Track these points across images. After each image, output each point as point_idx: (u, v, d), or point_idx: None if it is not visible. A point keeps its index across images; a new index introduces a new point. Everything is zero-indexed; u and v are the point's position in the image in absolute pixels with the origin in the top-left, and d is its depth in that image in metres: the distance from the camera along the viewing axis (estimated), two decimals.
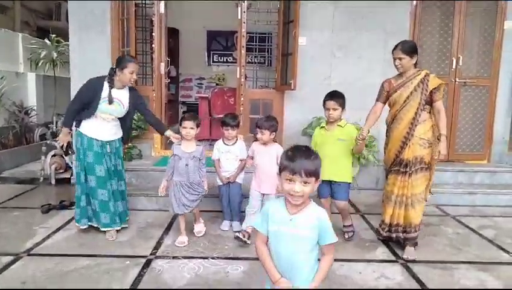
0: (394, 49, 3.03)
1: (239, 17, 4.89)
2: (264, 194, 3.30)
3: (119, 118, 3.35)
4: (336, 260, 2.96)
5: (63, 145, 3.58)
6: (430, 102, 3.01)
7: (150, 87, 5.05)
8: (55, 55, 6.83)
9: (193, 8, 7.67)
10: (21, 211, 3.84)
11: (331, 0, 4.85)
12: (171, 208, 3.21)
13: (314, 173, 1.52)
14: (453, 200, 4.50)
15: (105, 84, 3.19)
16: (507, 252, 3.23)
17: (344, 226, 3.43)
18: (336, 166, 3.19)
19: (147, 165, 4.56)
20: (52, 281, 2.56)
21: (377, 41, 4.91)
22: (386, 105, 3.21)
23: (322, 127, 3.34)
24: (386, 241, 3.30)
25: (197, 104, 6.99)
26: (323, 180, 3.14)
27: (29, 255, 2.93)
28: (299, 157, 1.51)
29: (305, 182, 1.51)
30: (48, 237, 3.27)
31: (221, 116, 6.11)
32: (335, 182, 3.24)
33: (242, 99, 5.04)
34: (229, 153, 3.45)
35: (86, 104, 3.18)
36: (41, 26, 9.19)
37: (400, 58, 2.98)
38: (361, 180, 4.67)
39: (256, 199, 3.34)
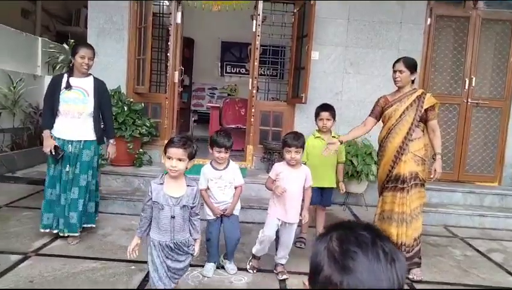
0: (396, 62, 3.08)
1: (254, 30, 4.98)
2: (285, 223, 2.84)
3: (95, 115, 3.23)
4: None
5: (50, 151, 3.11)
6: (425, 120, 3.04)
7: (163, 95, 5.14)
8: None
9: (209, 19, 7.81)
10: (31, 211, 3.90)
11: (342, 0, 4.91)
12: (152, 280, 2.23)
13: None
14: (462, 222, 4.44)
15: (65, 75, 3.22)
16: None
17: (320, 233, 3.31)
18: (330, 173, 3.46)
19: (156, 172, 4.59)
20: (58, 282, 2.59)
21: (389, 59, 4.89)
22: (379, 122, 3.24)
23: (316, 137, 3.48)
24: None
25: (209, 113, 7.07)
26: (317, 188, 3.31)
27: (37, 255, 2.97)
28: None
29: None
30: (56, 238, 3.30)
31: (232, 126, 6.21)
32: (326, 188, 3.45)
33: (253, 110, 5.09)
34: (220, 180, 2.83)
35: (52, 101, 3.16)
36: (61, 31, 9.41)
37: (401, 71, 3.01)
38: (369, 197, 4.65)
39: (272, 227, 2.83)
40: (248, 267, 2.96)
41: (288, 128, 5.03)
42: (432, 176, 3.02)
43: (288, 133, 2.99)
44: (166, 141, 4.19)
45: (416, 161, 3.00)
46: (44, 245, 3.15)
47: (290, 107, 5.16)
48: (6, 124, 5.64)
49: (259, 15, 4.92)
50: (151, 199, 2.13)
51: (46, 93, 3.25)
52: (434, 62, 5.05)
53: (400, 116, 3.02)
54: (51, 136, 3.16)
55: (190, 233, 2.23)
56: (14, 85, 5.71)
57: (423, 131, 3.07)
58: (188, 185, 2.16)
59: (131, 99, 4.81)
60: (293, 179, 2.82)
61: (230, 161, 2.94)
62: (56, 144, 3.13)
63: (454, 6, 5.00)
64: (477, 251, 3.72)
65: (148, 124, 4.74)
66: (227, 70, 8.82)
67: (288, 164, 2.83)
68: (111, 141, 3.29)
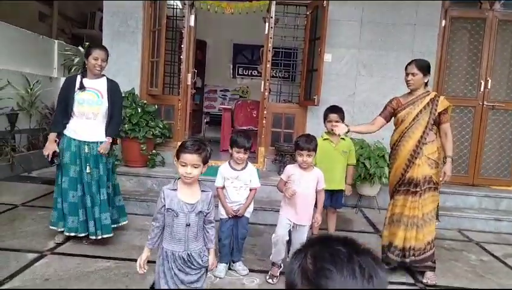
0: (408, 64, 3.05)
1: (266, 32, 4.99)
2: (296, 225, 2.84)
3: (109, 116, 3.22)
4: None
5: (48, 155, 3.10)
6: (437, 123, 3.01)
7: (176, 97, 5.18)
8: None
9: (221, 21, 7.86)
10: (46, 211, 3.95)
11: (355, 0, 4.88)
12: None
13: None
14: (477, 226, 4.37)
15: (79, 77, 3.21)
16: None
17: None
18: (339, 176, 3.42)
19: (169, 173, 4.64)
20: (73, 280, 2.64)
21: (403, 62, 4.81)
22: (389, 125, 3.21)
23: (325, 139, 3.42)
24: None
25: (221, 115, 7.10)
26: (327, 190, 3.18)
27: (52, 253, 3.03)
28: None
29: None
30: (71, 237, 3.35)
31: (244, 128, 6.22)
32: (336, 190, 3.40)
33: (265, 112, 5.09)
34: (237, 180, 2.87)
35: (66, 103, 3.15)
36: (76, 34, 9.58)
37: (414, 74, 2.98)
38: (382, 200, 4.61)
39: (284, 227, 2.83)
40: (267, 277, 2.87)
41: (300, 130, 5.02)
42: (441, 179, 2.99)
43: (300, 136, 2.97)
44: (179, 143, 4.05)
45: (430, 165, 2.98)
46: (60, 244, 3.20)
47: (302, 109, 5.15)
48: (23, 125, 5.76)
49: (271, 17, 4.93)
50: (165, 205, 1.99)
51: (60, 95, 3.26)
52: (449, 64, 4.99)
53: (414, 120, 2.99)
54: (55, 141, 3.16)
55: (204, 242, 2.11)
56: (31, 87, 5.83)
57: (436, 134, 3.04)
58: (202, 191, 2.06)
59: (145, 101, 4.87)
60: (305, 182, 2.80)
61: (249, 162, 2.96)
62: (57, 150, 3.12)
63: (469, 7, 4.93)
64: (493, 255, 3.65)
65: (161, 126, 4.79)
66: (239, 73, 8.85)
67: (300, 167, 2.82)
68: (107, 138, 3.22)
